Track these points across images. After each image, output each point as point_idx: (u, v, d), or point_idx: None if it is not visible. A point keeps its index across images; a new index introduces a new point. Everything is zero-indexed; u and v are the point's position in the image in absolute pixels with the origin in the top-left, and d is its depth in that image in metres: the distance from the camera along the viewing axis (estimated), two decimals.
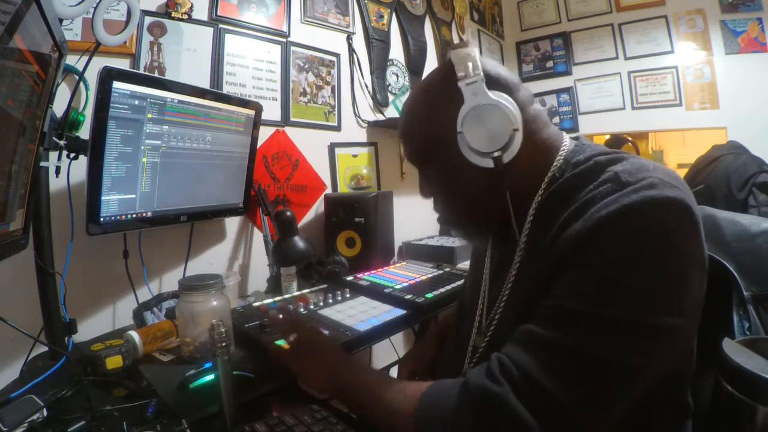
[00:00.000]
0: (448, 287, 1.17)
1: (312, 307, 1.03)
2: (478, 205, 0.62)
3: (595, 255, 0.46)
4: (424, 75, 2.31)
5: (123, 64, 1.16)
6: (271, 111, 1.51)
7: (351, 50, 1.83)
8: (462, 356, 0.66)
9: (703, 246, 0.48)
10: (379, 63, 1.95)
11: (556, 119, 2.85)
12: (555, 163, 0.58)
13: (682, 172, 2.19)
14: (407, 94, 2.04)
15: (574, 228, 0.48)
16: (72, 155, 0.92)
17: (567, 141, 0.61)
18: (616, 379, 0.44)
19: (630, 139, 2.61)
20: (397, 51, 2.08)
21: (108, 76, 0.87)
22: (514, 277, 0.58)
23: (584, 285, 0.46)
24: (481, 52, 0.59)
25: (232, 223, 1.43)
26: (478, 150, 0.55)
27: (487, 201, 0.60)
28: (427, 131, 0.61)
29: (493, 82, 0.57)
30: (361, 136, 1.88)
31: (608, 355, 0.44)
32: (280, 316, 0.79)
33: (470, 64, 0.56)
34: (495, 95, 0.55)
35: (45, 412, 0.62)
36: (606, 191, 0.48)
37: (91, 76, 0.94)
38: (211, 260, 1.36)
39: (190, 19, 1.28)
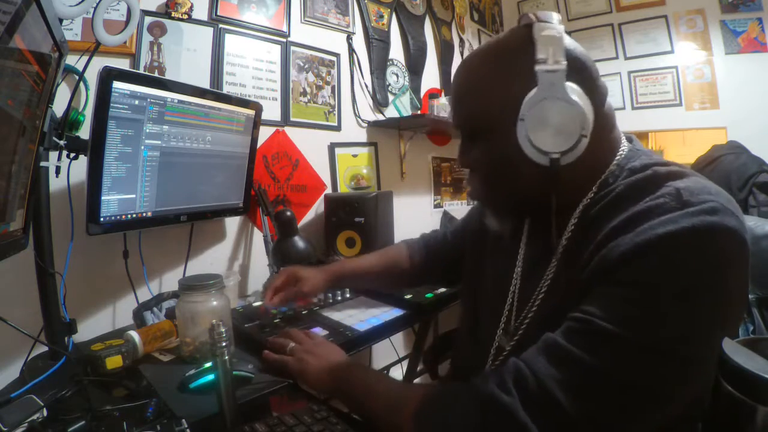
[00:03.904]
0: (448, 287, 1.17)
1: (312, 307, 1.03)
2: (518, 192, 0.57)
3: (642, 276, 0.43)
4: (424, 75, 2.31)
5: (123, 64, 1.16)
6: (271, 111, 1.51)
7: (351, 50, 1.83)
8: (483, 355, 0.63)
9: (748, 280, 0.46)
10: (379, 63, 1.95)
11: None
12: (610, 168, 0.54)
13: None
14: (407, 94, 2.04)
15: (623, 240, 0.45)
16: (72, 155, 0.91)
17: (624, 144, 0.57)
18: (636, 405, 0.42)
19: None
20: (397, 51, 2.08)
21: (108, 76, 0.87)
22: (551, 280, 0.55)
23: (623, 306, 0.43)
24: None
25: (232, 223, 1.43)
26: (537, 146, 0.50)
27: (529, 192, 0.55)
28: (487, 103, 0.55)
29: (575, 71, 0.50)
30: (361, 136, 1.88)
31: (633, 382, 0.42)
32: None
33: (553, 50, 0.49)
34: (573, 91, 0.49)
35: (45, 412, 0.62)
36: (665, 207, 0.45)
37: (91, 76, 0.94)
38: (211, 260, 1.36)
39: (190, 19, 1.28)
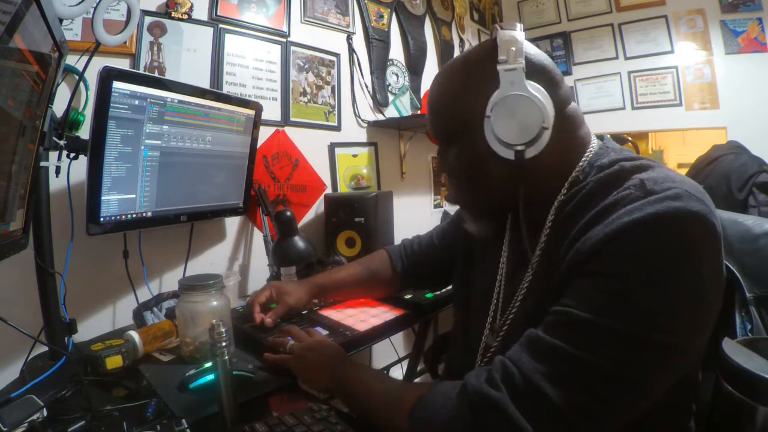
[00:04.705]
0: (448, 287, 1.16)
1: (312, 307, 1.03)
2: (490, 193, 0.60)
3: (613, 264, 0.45)
4: (424, 75, 2.31)
5: (123, 64, 1.16)
6: (271, 111, 1.51)
7: (351, 50, 1.83)
8: (473, 354, 0.65)
9: (723, 263, 0.47)
10: (379, 63, 1.95)
11: None
12: (579, 165, 0.56)
13: (682, 172, 2.19)
14: (407, 94, 2.04)
15: (594, 233, 0.47)
16: (72, 155, 0.91)
17: (594, 142, 0.59)
18: (619, 392, 0.44)
19: (630, 139, 2.61)
20: (397, 51, 2.08)
21: (108, 76, 0.87)
22: (531, 278, 0.57)
23: (597, 295, 0.45)
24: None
25: (232, 223, 1.43)
26: (502, 139, 0.53)
27: (501, 191, 0.58)
28: (457, 108, 0.59)
29: (534, 72, 0.54)
30: (361, 136, 1.88)
31: (614, 368, 0.43)
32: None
33: (513, 50, 0.53)
34: (533, 87, 0.53)
35: (45, 412, 0.62)
36: (630, 198, 0.47)
37: (91, 76, 0.94)
38: (211, 260, 1.36)
39: (190, 19, 1.28)
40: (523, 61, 0.53)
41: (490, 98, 0.54)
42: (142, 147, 0.98)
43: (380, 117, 1.95)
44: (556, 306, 0.48)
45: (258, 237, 1.47)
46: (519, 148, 0.53)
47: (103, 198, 0.91)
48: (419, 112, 2.01)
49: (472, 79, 0.58)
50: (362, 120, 1.87)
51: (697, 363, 0.56)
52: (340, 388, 0.65)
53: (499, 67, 0.53)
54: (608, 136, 0.62)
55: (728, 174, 1.81)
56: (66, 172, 0.95)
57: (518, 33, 0.54)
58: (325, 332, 0.88)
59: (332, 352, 0.72)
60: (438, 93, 0.63)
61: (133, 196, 0.98)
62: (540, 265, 0.56)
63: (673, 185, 0.46)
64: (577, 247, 0.48)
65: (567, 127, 0.56)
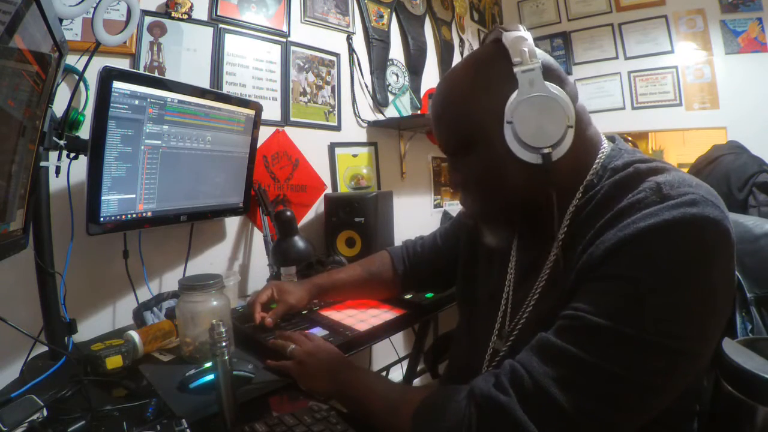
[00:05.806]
0: (439, 291, 1.16)
1: (312, 306, 1.03)
2: (515, 201, 0.57)
3: (626, 269, 0.44)
4: (424, 75, 2.30)
5: (123, 64, 1.16)
6: (271, 111, 1.51)
7: (351, 50, 1.83)
8: (479, 358, 0.63)
9: (735, 269, 0.47)
10: (379, 63, 1.95)
11: None
12: (594, 167, 0.55)
13: None
14: (407, 94, 2.04)
15: (607, 236, 0.47)
16: (72, 155, 0.92)
17: (605, 143, 0.58)
18: (629, 397, 0.43)
19: (630, 139, 2.61)
20: (397, 51, 2.08)
21: (108, 75, 0.87)
22: (544, 283, 0.56)
23: (610, 299, 0.44)
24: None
25: (232, 223, 1.43)
26: (527, 143, 0.51)
27: (525, 198, 0.56)
28: (469, 115, 0.56)
29: (548, 72, 0.53)
30: (361, 136, 1.88)
31: (625, 374, 0.42)
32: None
33: (526, 50, 0.51)
34: (551, 86, 0.51)
35: (45, 412, 0.62)
36: (646, 202, 0.46)
37: (91, 76, 0.94)
38: (211, 260, 1.36)
39: (190, 19, 1.28)
40: (539, 61, 0.51)
41: (506, 101, 0.52)
42: (142, 147, 0.98)
43: (380, 117, 1.95)
44: (567, 310, 0.47)
45: (258, 237, 1.47)
46: (546, 150, 0.50)
47: (103, 198, 0.91)
48: (419, 112, 2.01)
49: (482, 83, 0.55)
50: (362, 120, 1.87)
51: (706, 367, 0.55)
52: (342, 392, 0.65)
53: (516, 69, 0.51)
54: (618, 136, 0.61)
55: (728, 174, 1.81)
56: (66, 172, 0.95)
57: (525, 33, 0.53)
58: (324, 332, 0.88)
59: (332, 357, 0.72)
60: (445, 101, 0.59)
61: (133, 196, 0.98)
62: (553, 271, 0.55)
63: (690, 190, 0.45)
64: (591, 251, 0.48)
65: (579, 125, 0.54)
